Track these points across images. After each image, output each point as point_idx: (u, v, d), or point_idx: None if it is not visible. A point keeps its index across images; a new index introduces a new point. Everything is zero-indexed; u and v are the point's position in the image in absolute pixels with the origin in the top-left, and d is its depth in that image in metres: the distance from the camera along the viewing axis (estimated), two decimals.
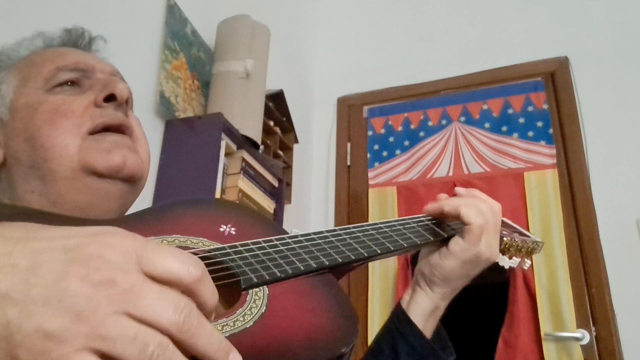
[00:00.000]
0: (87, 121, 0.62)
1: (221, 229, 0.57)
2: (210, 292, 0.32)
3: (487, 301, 2.34)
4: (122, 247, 0.30)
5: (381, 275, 2.33)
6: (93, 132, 0.62)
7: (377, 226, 0.67)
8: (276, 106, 2.20)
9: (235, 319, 0.42)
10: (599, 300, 2.03)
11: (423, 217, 0.75)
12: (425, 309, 0.73)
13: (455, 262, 0.71)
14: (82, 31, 0.73)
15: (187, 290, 0.31)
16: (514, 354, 2.03)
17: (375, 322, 2.24)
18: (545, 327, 2.03)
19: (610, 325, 1.98)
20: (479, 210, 0.71)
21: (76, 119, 0.61)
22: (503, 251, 0.77)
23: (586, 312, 2.03)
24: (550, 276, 2.09)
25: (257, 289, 0.47)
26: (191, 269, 0.31)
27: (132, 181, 0.64)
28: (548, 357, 1.98)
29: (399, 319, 0.73)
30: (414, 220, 0.73)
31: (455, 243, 0.71)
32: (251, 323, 0.42)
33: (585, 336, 1.99)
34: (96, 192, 0.61)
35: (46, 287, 0.28)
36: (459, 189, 0.78)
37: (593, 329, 2.00)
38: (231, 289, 0.46)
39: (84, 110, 0.62)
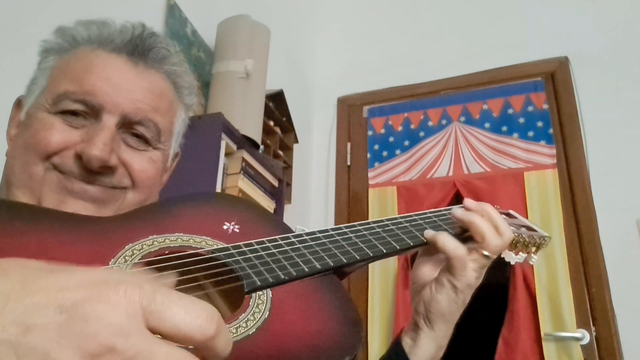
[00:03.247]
0: (58, 159, 0.58)
1: (225, 227, 0.56)
2: (223, 346, 0.29)
3: (487, 301, 2.34)
4: (126, 303, 0.27)
5: (381, 275, 2.33)
6: (62, 171, 0.58)
7: (383, 224, 0.65)
8: (276, 106, 2.20)
9: (237, 325, 0.42)
10: (599, 300, 2.02)
11: (430, 212, 0.72)
12: (429, 353, 0.68)
13: (449, 294, 0.66)
14: (141, 36, 0.66)
15: (199, 348, 0.29)
16: (514, 354, 2.03)
17: (375, 322, 2.24)
18: (545, 327, 2.03)
19: (610, 325, 1.98)
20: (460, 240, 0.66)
21: (46, 151, 0.58)
22: (509, 247, 0.73)
23: (586, 312, 2.03)
24: (550, 276, 2.09)
25: (260, 292, 0.46)
26: (204, 326, 0.28)
27: None
28: (548, 357, 1.98)
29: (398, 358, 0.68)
30: (420, 217, 0.70)
31: (444, 276, 0.66)
32: (254, 330, 0.42)
33: (585, 336, 1.99)
34: None
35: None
36: (468, 201, 0.72)
37: (593, 329, 2.00)
38: (235, 293, 0.45)
39: (62, 148, 0.59)
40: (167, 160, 0.71)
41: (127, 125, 0.62)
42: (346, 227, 0.61)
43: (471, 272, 0.66)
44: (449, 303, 0.67)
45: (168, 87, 0.69)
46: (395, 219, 0.67)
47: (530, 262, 0.78)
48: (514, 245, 0.75)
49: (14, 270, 0.29)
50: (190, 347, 0.29)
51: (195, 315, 0.28)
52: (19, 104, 0.68)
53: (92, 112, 0.60)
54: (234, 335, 0.40)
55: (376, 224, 0.64)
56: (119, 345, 0.26)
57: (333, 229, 0.60)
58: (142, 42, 0.65)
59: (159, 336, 0.28)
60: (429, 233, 0.67)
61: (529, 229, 0.79)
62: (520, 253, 0.76)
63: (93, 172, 0.58)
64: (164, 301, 0.28)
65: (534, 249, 0.76)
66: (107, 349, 0.26)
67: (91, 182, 0.59)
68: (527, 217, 2.27)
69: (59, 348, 0.25)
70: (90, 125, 0.60)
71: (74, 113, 0.60)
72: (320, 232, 0.58)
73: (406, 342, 0.69)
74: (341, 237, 0.59)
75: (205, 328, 0.28)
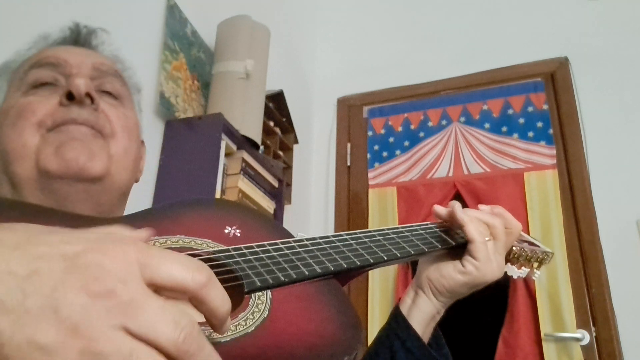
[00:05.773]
0: (49, 120, 0.59)
1: (226, 231, 0.56)
2: (219, 298, 0.31)
3: (487, 301, 2.34)
4: (123, 255, 0.29)
5: (381, 276, 2.33)
6: (52, 128, 0.59)
7: (384, 232, 0.66)
8: (276, 106, 2.20)
9: (237, 323, 0.42)
10: (599, 300, 2.03)
11: (431, 224, 0.74)
12: (427, 314, 0.71)
13: (468, 279, 0.69)
14: (78, 27, 0.71)
15: (194, 298, 0.30)
16: (514, 355, 2.03)
17: (375, 322, 2.24)
18: (545, 327, 2.03)
19: (610, 325, 1.98)
20: (483, 226, 0.70)
21: (36, 118, 0.59)
22: (512, 261, 0.76)
23: (586, 313, 2.03)
24: (550, 276, 2.09)
25: (260, 293, 0.46)
26: (196, 275, 0.30)
27: (91, 180, 0.59)
28: (548, 358, 1.98)
29: (397, 322, 0.72)
30: (421, 227, 0.71)
31: (470, 263, 0.69)
32: (253, 328, 0.42)
33: (585, 336, 1.99)
34: (55, 195, 0.58)
35: (42, 297, 0.26)
36: (482, 206, 0.76)
37: (593, 329, 2.00)
38: (234, 292, 0.45)
39: (49, 111, 0.60)
40: (139, 130, 0.72)
41: (98, 78, 0.65)
42: (347, 234, 0.62)
43: (495, 264, 0.69)
44: (463, 286, 0.70)
45: (115, 65, 0.72)
46: (397, 228, 0.69)
47: (533, 277, 0.79)
48: (516, 259, 0.76)
49: (19, 227, 0.31)
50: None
51: (187, 265, 0.30)
52: None
53: (60, 74, 0.63)
54: (233, 332, 0.41)
55: (377, 232, 0.66)
56: (118, 289, 0.27)
57: (334, 236, 0.60)
58: (80, 33, 0.71)
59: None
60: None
61: (531, 244, 0.80)
62: (523, 267, 0.78)
63: (81, 105, 0.60)
64: (157, 255, 0.30)
65: (536, 264, 0.78)
66: (107, 290, 0.27)
67: (81, 122, 0.60)
68: (527, 218, 2.28)
69: (64, 287, 0.27)
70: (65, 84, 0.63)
71: (44, 84, 0.62)
72: (321, 237, 0.59)
73: (406, 302, 0.74)
74: (342, 243, 0.59)
75: (197, 277, 0.30)
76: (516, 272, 0.77)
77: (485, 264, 0.69)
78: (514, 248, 0.75)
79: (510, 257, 0.76)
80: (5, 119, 0.62)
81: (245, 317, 0.43)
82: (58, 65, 0.63)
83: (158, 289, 0.29)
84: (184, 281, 0.30)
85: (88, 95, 0.61)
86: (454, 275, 0.70)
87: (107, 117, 0.63)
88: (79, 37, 0.70)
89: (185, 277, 0.30)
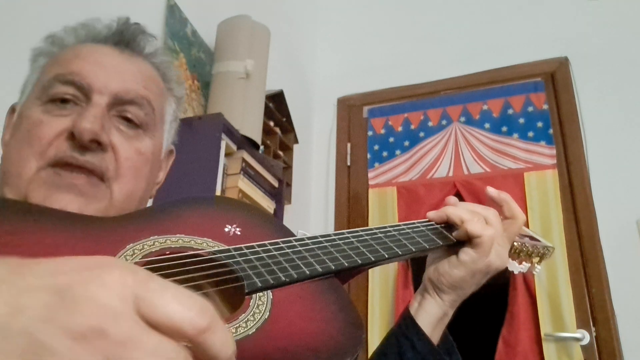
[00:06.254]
0: (52, 151, 0.57)
1: (226, 229, 0.56)
2: (219, 344, 0.27)
3: (487, 301, 2.34)
4: (119, 286, 0.26)
5: (381, 276, 2.33)
6: (53, 164, 0.57)
7: (385, 229, 0.66)
8: (276, 106, 2.20)
9: (237, 325, 0.42)
10: (599, 300, 2.02)
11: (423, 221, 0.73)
12: (433, 317, 0.70)
13: (466, 272, 0.68)
14: (126, 24, 0.68)
15: (190, 343, 0.27)
16: (514, 354, 2.03)
17: (375, 323, 2.24)
18: (545, 327, 2.03)
19: (610, 325, 1.98)
20: (486, 221, 0.69)
21: (40, 147, 0.57)
22: (513, 256, 0.75)
23: (586, 313, 2.03)
24: (550, 276, 2.09)
25: (261, 293, 0.46)
26: (195, 319, 0.27)
27: None
28: (548, 358, 1.98)
29: (406, 324, 0.71)
30: (423, 223, 0.71)
31: (466, 254, 0.69)
32: (253, 330, 0.41)
33: (585, 336, 1.99)
34: None
35: (24, 341, 0.24)
36: (490, 190, 0.76)
37: (593, 329, 2.00)
38: (235, 293, 0.45)
39: (54, 138, 0.58)
40: (160, 153, 0.70)
41: (119, 105, 0.62)
42: (348, 232, 0.62)
43: (494, 254, 0.69)
44: (462, 280, 0.70)
45: (157, 75, 0.69)
46: (398, 225, 0.68)
47: (534, 272, 0.79)
48: (517, 255, 0.76)
49: (6, 259, 0.29)
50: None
51: (187, 306, 0.27)
52: (12, 111, 0.68)
53: (81, 94, 0.60)
54: (234, 334, 0.40)
55: (378, 230, 0.65)
56: (110, 328, 0.25)
57: (335, 234, 0.60)
58: (126, 31, 0.68)
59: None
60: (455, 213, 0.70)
61: (532, 239, 0.79)
62: (524, 262, 0.77)
63: (84, 148, 0.57)
64: (156, 289, 0.27)
65: (537, 259, 0.78)
66: (95, 331, 0.25)
67: (81, 166, 0.58)
68: (527, 218, 2.28)
69: (45, 329, 0.24)
70: (81, 108, 0.60)
71: (63, 101, 0.60)
72: (322, 236, 0.58)
73: (413, 305, 0.73)
74: (343, 241, 0.59)
75: (196, 321, 0.26)
76: (517, 268, 0.77)
77: (483, 255, 0.68)
78: (515, 243, 0.75)
79: (512, 252, 0.75)
80: (19, 127, 0.61)
81: (246, 319, 0.42)
82: (81, 87, 0.60)
83: (153, 326, 0.27)
84: (182, 325, 0.26)
85: (94, 140, 0.58)
86: (450, 271, 0.69)
87: (116, 156, 0.61)
88: (122, 38, 0.67)
89: (184, 319, 0.26)
